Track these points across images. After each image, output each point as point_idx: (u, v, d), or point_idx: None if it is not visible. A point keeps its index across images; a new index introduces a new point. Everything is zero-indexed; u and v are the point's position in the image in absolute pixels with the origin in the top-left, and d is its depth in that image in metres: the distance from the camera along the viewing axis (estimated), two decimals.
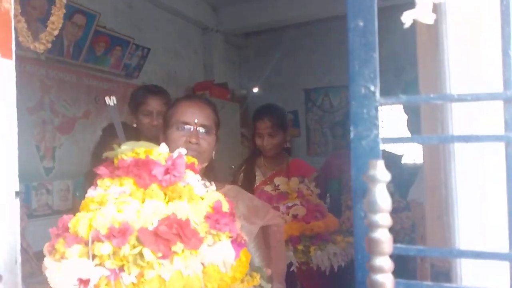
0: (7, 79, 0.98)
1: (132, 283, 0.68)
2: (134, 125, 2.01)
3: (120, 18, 3.60)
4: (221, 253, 0.74)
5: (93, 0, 3.20)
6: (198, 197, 0.80)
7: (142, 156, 0.81)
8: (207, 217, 0.76)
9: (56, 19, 1.31)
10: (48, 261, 0.73)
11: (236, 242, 0.79)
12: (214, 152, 1.32)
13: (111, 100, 0.90)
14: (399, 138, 0.47)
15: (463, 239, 0.54)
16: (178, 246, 0.69)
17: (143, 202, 0.75)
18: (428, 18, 0.46)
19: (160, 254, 0.68)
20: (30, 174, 2.89)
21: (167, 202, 0.77)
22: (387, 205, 0.42)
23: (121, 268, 0.68)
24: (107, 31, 3.39)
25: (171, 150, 1.19)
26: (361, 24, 0.48)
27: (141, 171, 0.78)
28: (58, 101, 3.15)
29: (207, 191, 0.85)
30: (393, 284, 0.43)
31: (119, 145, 0.84)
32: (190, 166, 0.86)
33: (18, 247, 0.98)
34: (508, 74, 0.44)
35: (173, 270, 0.69)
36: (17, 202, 0.99)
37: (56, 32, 1.35)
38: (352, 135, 0.49)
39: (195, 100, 1.31)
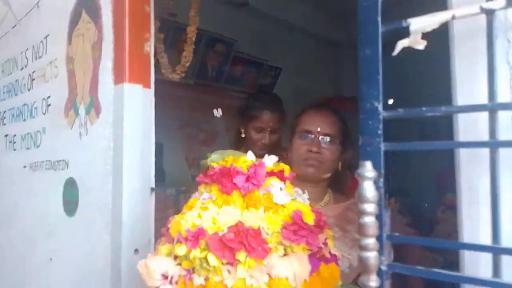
0: (148, 103, 1.31)
1: (201, 285, 0.69)
2: (242, 135, 1.92)
3: (254, 43, 3.99)
4: (292, 266, 0.69)
5: (231, 30, 3.64)
6: (279, 206, 0.78)
7: (228, 164, 0.82)
8: (284, 227, 0.73)
9: (187, 54, 1.64)
10: (141, 262, 0.78)
11: (316, 257, 0.75)
12: (340, 163, 1.28)
13: (218, 113, 1.02)
14: (400, 144, 0.57)
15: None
16: (241, 255, 0.67)
17: None
18: (419, 44, 0.55)
19: (225, 261, 0.67)
20: (181, 180, 3.43)
21: (244, 210, 0.76)
22: (373, 196, 0.53)
23: (193, 270, 0.70)
24: (243, 56, 3.81)
25: (294, 158, 1.27)
26: (368, 52, 0.60)
27: (224, 179, 0.79)
28: (202, 119, 3.66)
29: (292, 199, 0.81)
30: (377, 260, 0.53)
31: (211, 154, 0.88)
32: (278, 174, 0.84)
33: (152, 231, 1.28)
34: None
35: (236, 278, 0.68)
36: (152, 196, 1.31)
37: (187, 64, 1.69)
38: (360, 142, 0.60)
39: (320, 109, 1.30)
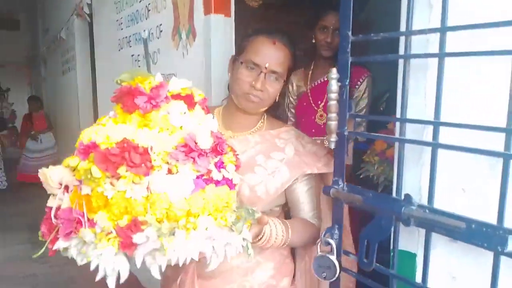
0: (228, 28, 1.73)
1: (87, 194, 0.72)
2: (313, 41, 1.94)
3: None
4: (172, 183, 0.72)
5: None
6: (175, 127, 0.78)
7: (133, 84, 0.80)
8: (176, 148, 0.75)
9: None
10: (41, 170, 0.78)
11: (203, 178, 0.77)
12: (278, 95, 1.18)
13: (145, 33, 0.97)
14: (362, 58, 0.92)
15: None
16: (122, 169, 0.69)
17: None
18: None
19: (108, 174, 0.70)
20: None
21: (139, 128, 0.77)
22: (335, 89, 0.90)
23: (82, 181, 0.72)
24: None
25: (235, 86, 1.13)
26: None
27: (126, 98, 0.78)
28: None
29: (199, 124, 0.81)
30: (336, 126, 0.91)
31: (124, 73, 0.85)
32: (185, 98, 0.83)
33: None
34: None
35: (116, 190, 0.70)
36: None
37: None
38: (338, 58, 0.95)
39: (274, 39, 1.12)
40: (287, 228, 1.10)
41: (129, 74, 0.83)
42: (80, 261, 0.72)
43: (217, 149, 0.80)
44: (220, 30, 1.70)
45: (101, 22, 3.41)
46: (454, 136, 0.80)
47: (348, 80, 0.94)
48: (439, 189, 0.83)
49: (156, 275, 0.71)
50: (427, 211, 0.81)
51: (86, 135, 0.75)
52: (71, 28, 4.60)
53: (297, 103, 2.12)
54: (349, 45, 0.93)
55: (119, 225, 0.70)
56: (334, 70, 0.92)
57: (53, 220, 0.73)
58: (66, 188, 0.75)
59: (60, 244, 0.72)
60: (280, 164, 1.15)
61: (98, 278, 0.71)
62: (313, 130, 1.97)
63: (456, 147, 0.76)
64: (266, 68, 1.10)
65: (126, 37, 2.82)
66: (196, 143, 0.76)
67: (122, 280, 0.71)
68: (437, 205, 0.82)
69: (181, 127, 0.79)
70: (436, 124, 0.80)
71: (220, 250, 0.77)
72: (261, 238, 1.03)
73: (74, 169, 0.74)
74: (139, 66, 2.59)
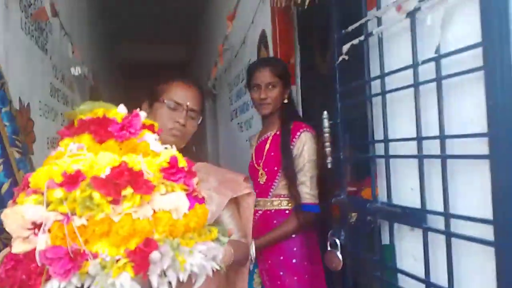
0: (295, 93, 2.20)
1: (83, 225, 0.68)
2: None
3: None
4: (173, 201, 0.75)
5: None
6: (154, 153, 0.82)
7: (100, 115, 0.83)
8: (162, 170, 0.77)
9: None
10: (6, 210, 0.73)
11: (192, 196, 0.81)
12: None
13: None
14: (346, 100, 1.30)
15: None
16: (127, 190, 0.70)
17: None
18: (346, 57, 1.26)
19: (110, 198, 0.69)
20: None
21: (121, 156, 0.77)
22: (327, 126, 1.28)
23: (73, 213, 0.69)
24: None
25: (159, 124, 1.08)
26: (334, 66, 1.33)
27: (98, 127, 0.80)
28: None
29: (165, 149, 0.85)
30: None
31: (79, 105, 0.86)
32: (149, 127, 0.88)
33: None
34: None
35: (122, 214, 0.69)
36: None
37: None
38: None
39: (191, 84, 1.34)
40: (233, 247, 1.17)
41: (88, 106, 0.86)
42: None
43: (191, 170, 0.85)
44: None
45: (221, 98, 4.24)
46: (408, 149, 1.10)
47: (340, 124, 1.30)
48: (399, 190, 1.11)
49: None
50: (385, 206, 1.10)
51: (61, 168, 0.73)
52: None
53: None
54: (338, 95, 1.31)
55: (129, 249, 0.68)
56: (325, 112, 1.30)
57: (39, 262, 0.67)
58: (39, 227, 0.69)
59: (54, 285, 0.66)
60: (209, 192, 1.25)
61: None
62: (257, 191, 1.70)
63: (397, 156, 1.07)
64: (187, 106, 1.27)
65: (234, 109, 3.51)
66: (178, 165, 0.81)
67: None
68: (397, 202, 1.10)
69: (159, 153, 0.83)
70: (386, 141, 1.11)
71: (208, 264, 0.77)
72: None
73: (50, 204, 0.70)
74: (242, 131, 3.21)
